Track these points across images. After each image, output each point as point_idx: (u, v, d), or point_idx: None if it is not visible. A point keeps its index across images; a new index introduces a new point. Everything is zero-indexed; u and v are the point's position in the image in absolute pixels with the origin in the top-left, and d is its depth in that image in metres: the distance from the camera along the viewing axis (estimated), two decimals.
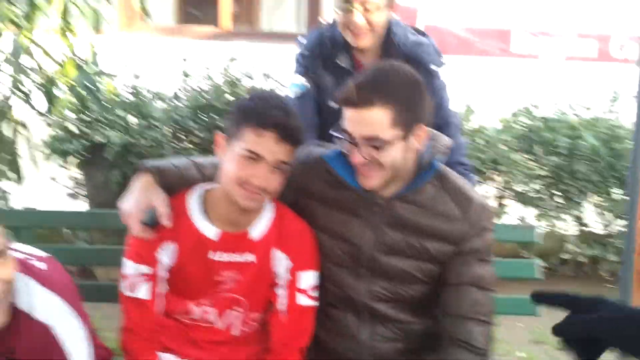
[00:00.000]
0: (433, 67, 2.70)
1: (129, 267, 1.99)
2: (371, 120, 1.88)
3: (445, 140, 2.09)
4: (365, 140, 1.89)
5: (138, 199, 1.97)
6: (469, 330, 2.01)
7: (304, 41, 2.83)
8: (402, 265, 2.06)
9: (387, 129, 1.88)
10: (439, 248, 2.04)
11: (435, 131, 2.09)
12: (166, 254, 1.99)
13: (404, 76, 1.95)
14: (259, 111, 1.88)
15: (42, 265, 1.83)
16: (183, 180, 2.05)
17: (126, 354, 2.01)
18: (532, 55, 6.43)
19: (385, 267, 2.06)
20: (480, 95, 4.97)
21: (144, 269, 1.98)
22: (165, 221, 1.94)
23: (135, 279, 1.98)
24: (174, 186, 2.04)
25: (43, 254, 1.91)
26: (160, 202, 1.96)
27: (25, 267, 1.77)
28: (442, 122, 2.65)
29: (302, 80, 2.77)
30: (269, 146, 1.86)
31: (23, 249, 1.86)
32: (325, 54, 2.74)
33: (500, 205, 4.90)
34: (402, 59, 2.58)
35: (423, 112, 1.97)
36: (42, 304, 1.75)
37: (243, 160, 1.87)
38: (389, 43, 2.68)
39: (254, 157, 1.87)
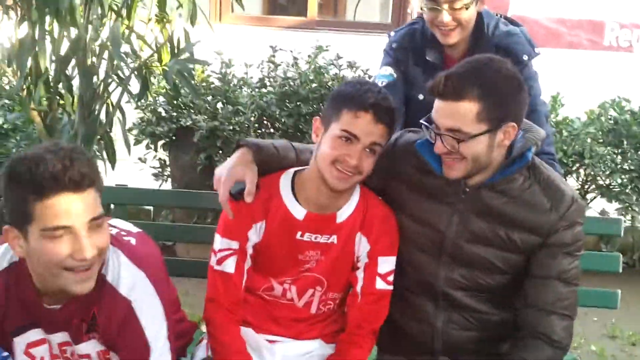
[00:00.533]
0: (525, 57, 2.65)
1: (219, 241, 2.08)
2: (456, 112, 1.89)
3: (539, 131, 2.07)
4: (447, 132, 1.91)
5: (232, 169, 2.05)
6: (551, 324, 2.01)
7: (394, 34, 2.83)
8: (485, 254, 2.07)
9: (472, 123, 1.89)
10: (525, 239, 2.04)
11: (529, 122, 2.07)
12: (255, 232, 2.07)
13: (500, 71, 1.92)
14: (356, 94, 1.94)
15: (132, 240, 1.89)
16: (279, 162, 2.12)
17: (209, 324, 2.10)
18: (626, 48, 6.26)
19: (467, 255, 2.08)
20: (568, 88, 4.88)
21: (233, 244, 2.07)
22: (249, 199, 2.02)
23: (223, 254, 2.07)
24: (271, 165, 2.11)
25: (135, 229, 1.98)
26: (250, 179, 2.04)
27: (117, 241, 1.85)
28: (530, 111, 2.62)
29: (390, 71, 2.77)
30: (365, 127, 1.92)
31: (116, 224, 1.95)
32: (415, 47, 2.73)
33: (583, 198, 4.81)
34: (492, 49, 2.57)
35: (516, 110, 1.95)
36: (127, 278, 1.80)
37: (339, 141, 1.94)
38: (479, 34, 2.64)
39: (349, 137, 1.92)
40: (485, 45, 2.61)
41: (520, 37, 2.70)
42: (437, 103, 1.94)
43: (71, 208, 1.61)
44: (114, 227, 1.91)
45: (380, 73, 2.79)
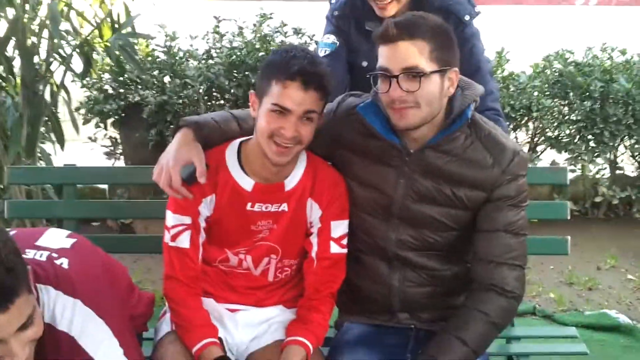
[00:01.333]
0: (466, 17, 2.66)
1: (171, 218, 2.08)
2: (412, 50, 1.92)
3: (477, 88, 2.09)
4: (405, 71, 1.93)
5: (177, 153, 2.03)
6: (502, 275, 2.04)
7: (335, 1, 2.80)
8: (432, 212, 2.09)
9: (427, 60, 1.92)
10: (470, 195, 2.07)
11: (467, 79, 2.10)
12: (205, 205, 2.07)
13: (436, 21, 1.99)
14: (282, 63, 1.92)
15: (64, 262, 1.77)
16: (222, 134, 2.11)
17: (170, 300, 2.11)
18: (568, 0, 6.34)
19: (415, 215, 2.10)
20: (513, 43, 4.94)
21: (186, 219, 2.06)
22: (202, 179, 2.01)
23: (177, 229, 2.07)
24: (214, 140, 2.10)
25: (69, 241, 1.86)
26: (198, 159, 2.02)
27: (45, 272, 1.72)
28: (474, 69, 2.64)
29: (332, 39, 2.76)
30: (295, 97, 1.90)
31: (48, 243, 1.82)
32: (357, 15, 2.72)
33: (533, 151, 4.91)
34: (434, 12, 2.60)
35: (455, 58, 2.00)
36: (63, 312, 1.71)
37: (272, 114, 1.93)
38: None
39: (281, 110, 1.92)
40: (427, 9, 2.62)
41: None
42: (388, 48, 1.95)
43: None
44: (45, 249, 1.79)
45: (322, 41, 2.78)
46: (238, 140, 2.11)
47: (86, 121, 4.69)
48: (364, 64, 2.67)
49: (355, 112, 2.10)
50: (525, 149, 4.88)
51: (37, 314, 1.59)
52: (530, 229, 2.13)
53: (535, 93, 4.65)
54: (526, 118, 4.75)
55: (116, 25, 3.34)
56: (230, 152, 2.09)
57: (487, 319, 2.01)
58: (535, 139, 4.93)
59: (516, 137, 4.82)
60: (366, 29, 2.68)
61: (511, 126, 4.66)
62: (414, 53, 1.92)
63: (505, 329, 2.26)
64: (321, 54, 2.74)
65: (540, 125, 4.79)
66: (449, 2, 2.68)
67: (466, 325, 2.02)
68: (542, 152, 4.96)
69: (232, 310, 2.18)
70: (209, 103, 4.59)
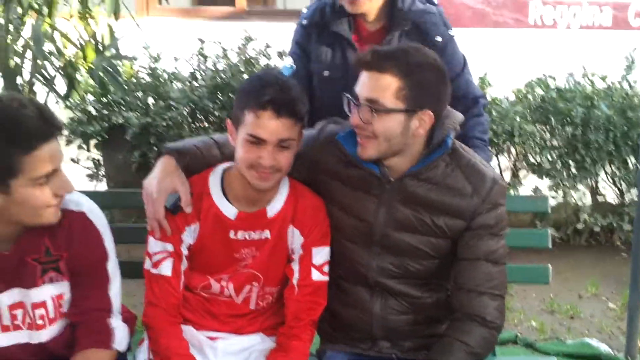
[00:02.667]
0: (438, 38, 2.69)
1: (154, 244, 2.07)
2: (377, 84, 1.93)
3: (456, 116, 2.09)
4: (366, 102, 1.95)
5: (161, 183, 2.03)
6: (483, 305, 2.04)
7: (306, 10, 2.84)
8: (413, 241, 2.10)
9: (390, 97, 1.93)
10: (450, 224, 2.07)
11: (448, 108, 2.09)
12: (189, 234, 2.07)
13: (427, 58, 1.97)
14: (253, 92, 1.93)
15: None
16: (204, 161, 2.12)
17: (149, 328, 2.08)
18: (551, 25, 6.39)
19: (396, 243, 2.10)
20: (496, 67, 4.98)
21: (168, 246, 2.05)
22: (188, 209, 2.02)
23: (159, 257, 2.06)
24: (196, 167, 2.10)
25: None
26: (183, 190, 2.03)
27: None
28: (461, 93, 2.66)
29: (290, 62, 2.82)
30: (268, 126, 1.91)
31: None
32: (324, 22, 2.74)
33: (515, 176, 4.93)
34: (409, 26, 2.63)
35: (435, 99, 1.98)
36: (73, 198, 1.92)
37: (248, 145, 1.94)
38: (395, 9, 2.66)
39: (256, 140, 1.92)
40: (401, 20, 2.65)
41: (436, 16, 2.73)
42: (362, 74, 1.98)
43: (56, 154, 1.78)
44: None
45: (284, 66, 2.84)
46: (221, 167, 2.11)
47: (69, 142, 4.67)
48: (325, 73, 2.72)
49: (335, 140, 2.11)
50: (507, 174, 4.90)
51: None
52: (511, 256, 2.15)
53: (518, 118, 4.67)
54: (508, 143, 4.77)
55: (100, 47, 3.34)
56: (214, 180, 2.09)
57: (468, 350, 2.01)
58: (517, 164, 4.95)
59: (498, 163, 4.84)
60: (334, 34, 2.71)
61: (493, 151, 4.68)
62: (378, 86, 1.93)
63: (488, 358, 2.26)
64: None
65: (522, 151, 4.82)
66: (425, 18, 2.70)
67: (448, 355, 2.01)
68: (524, 178, 4.99)
69: (212, 338, 2.16)
70: (193, 125, 4.58)
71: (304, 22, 2.80)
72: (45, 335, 1.98)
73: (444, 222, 2.07)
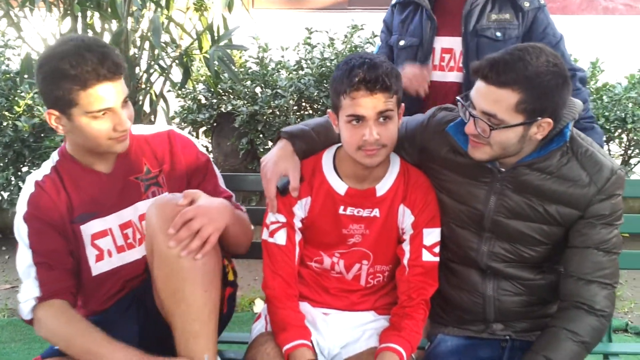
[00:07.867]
0: (526, 3, 2.70)
1: (270, 215, 2.17)
2: (496, 98, 1.88)
3: (576, 104, 2.03)
4: (483, 115, 1.92)
5: (275, 166, 2.13)
6: (592, 293, 2.01)
7: None
8: (524, 228, 2.08)
9: (509, 111, 1.88)
10: (563, 212, 2.05)
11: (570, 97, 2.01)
12: (300, 207, 2.15)
13: (548, 64, 1.87)
14: (345, 77, 1.97)
15: None
16: (321, 144, 2.19)
17: (268, 300, 2.17)
18: None
19: (508, 230, 2.10)
20: (607, 53, 4.83)
21: (281, 217, 2.15)
22: (295, 194, 2.12)
23: (274, 227, 2.16)
24: (313, 150, 2.18)
25: None
26: (293, 175, 2.12)
27: None
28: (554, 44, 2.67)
29: (378, 42, 3.01)
30: (364, 103, 1.95)
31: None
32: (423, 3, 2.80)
33: (627, 163, 4.77)
34: None
35: (555, 106, 1.91)
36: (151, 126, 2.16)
37: (350, 126, 1.99)
38: None
39: (356, 119, 1.97)
40: None
41: None
42: (479, 83, 1.93)
43: (110, 94, 1.96)
44: None
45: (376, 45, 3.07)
46: (335, 146, 2.18)
47: (179, 128, 4.83)
48: (402, 43, 2.83)
49: (445, 129, 2.11)
50: (618, 161, 4.75)
51: (128, 101, 2.06)
52: (622, 243, 2.10)
53: (630, 104, 4.52)
54: (620, 130, 4.62)
55: (215, 37, 3.44)
56: (327, 157, 2.17)
57: (576, 339, 1.99)
58: (629, 152, 4.79)
59: (609, 149, 4.70)
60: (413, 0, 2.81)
61: (604, 138, 4.55)
62: (497, 101, 1.88)
63: (602, 345, 2.22)
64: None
65: (635, 138, 4.66)
66: None
67: (555, 345, 1.99)
68: (635, 165, 4.82)
69: (326, 314, 2.23)
70: (299, 113, 4.66)
71: (393, 0, 2.92)
72: None
73: (556, 211, 2.05)
